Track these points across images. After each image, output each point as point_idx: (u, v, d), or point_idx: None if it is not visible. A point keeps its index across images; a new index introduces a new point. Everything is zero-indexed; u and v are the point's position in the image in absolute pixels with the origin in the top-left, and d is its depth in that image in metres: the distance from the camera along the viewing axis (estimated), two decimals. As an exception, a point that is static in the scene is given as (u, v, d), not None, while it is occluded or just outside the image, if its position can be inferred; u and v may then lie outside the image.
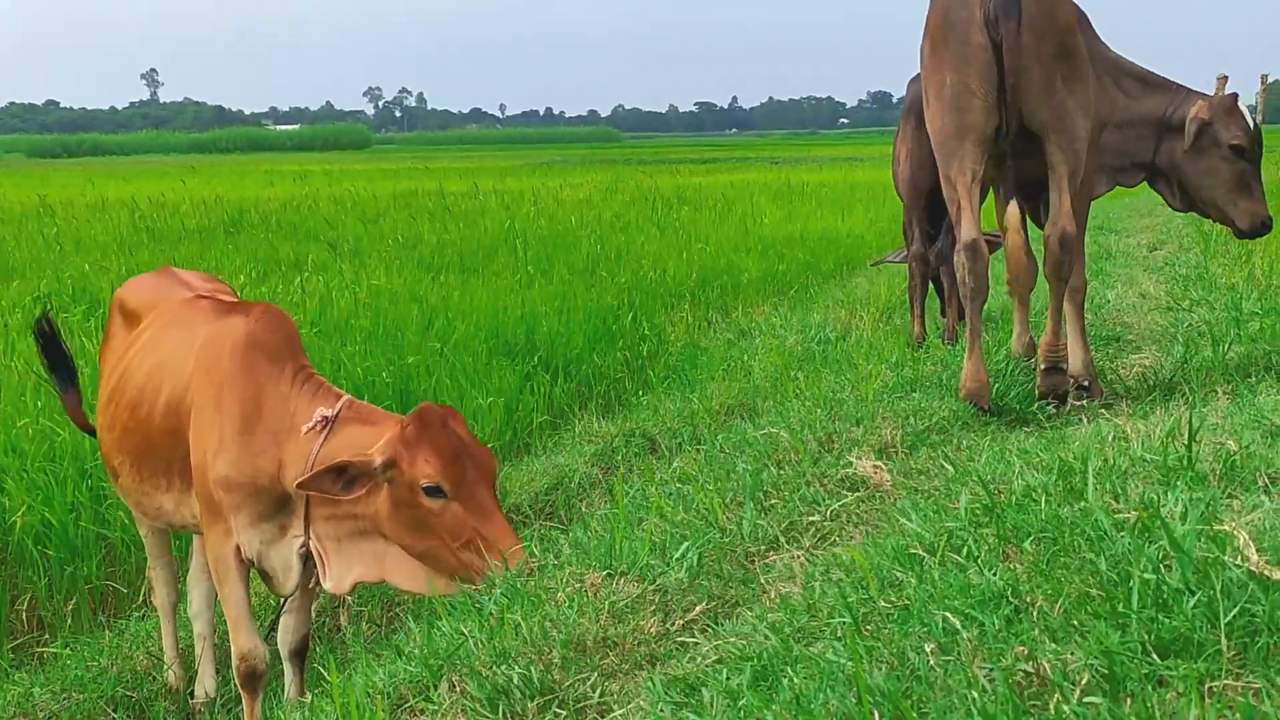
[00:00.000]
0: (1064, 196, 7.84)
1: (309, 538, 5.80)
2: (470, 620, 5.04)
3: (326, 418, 5.70)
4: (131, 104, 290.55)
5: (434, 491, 5.54)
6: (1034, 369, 8.52)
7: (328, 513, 5.74)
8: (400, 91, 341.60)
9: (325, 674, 5.45)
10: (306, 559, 5.85)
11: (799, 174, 45.86)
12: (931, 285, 12.21)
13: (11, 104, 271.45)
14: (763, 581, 5.30)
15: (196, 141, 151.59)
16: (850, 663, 3.57)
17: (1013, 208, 8.13)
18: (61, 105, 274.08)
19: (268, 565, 5.94)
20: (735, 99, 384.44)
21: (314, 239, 22.14)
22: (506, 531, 5.65)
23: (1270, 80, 27.93)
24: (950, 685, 3.36)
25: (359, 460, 5.49)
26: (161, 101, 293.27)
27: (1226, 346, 8.82)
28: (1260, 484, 4.61)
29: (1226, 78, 8.78)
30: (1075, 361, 8.43)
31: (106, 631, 7.63)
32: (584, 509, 8.48)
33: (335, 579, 5.80)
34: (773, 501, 6.34)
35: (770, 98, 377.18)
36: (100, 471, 8.28)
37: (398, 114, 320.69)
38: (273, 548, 5.89)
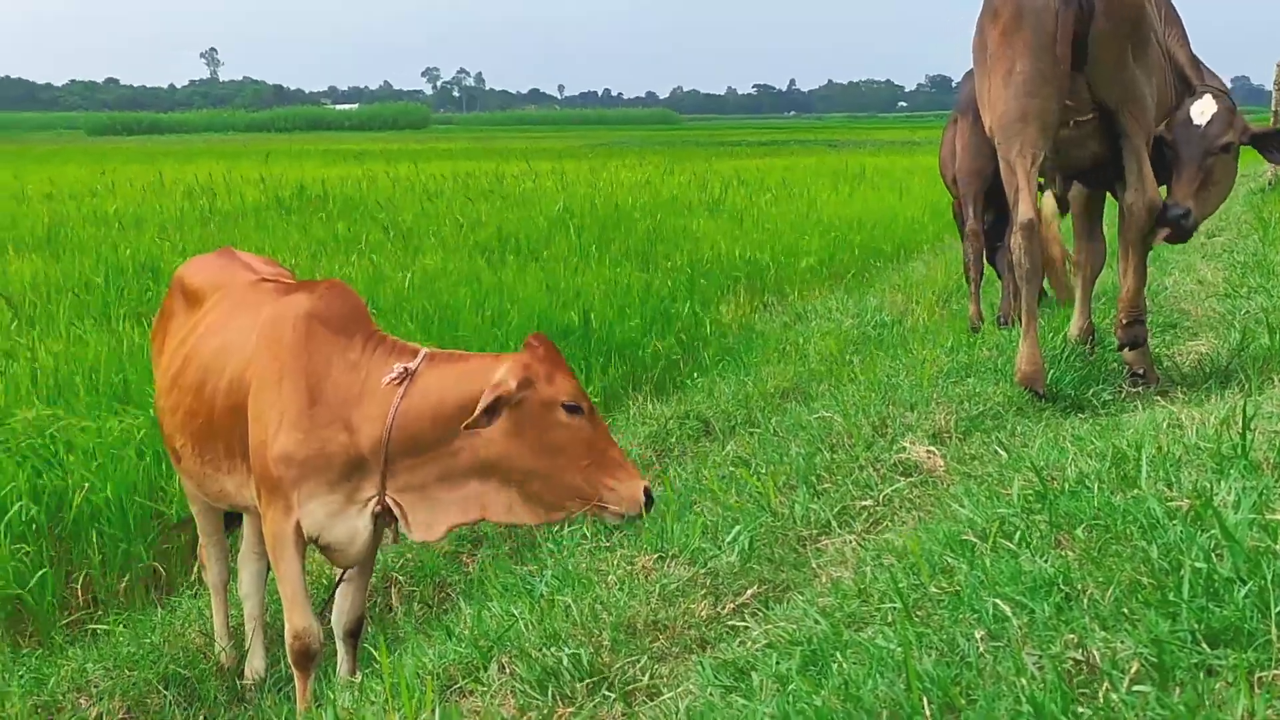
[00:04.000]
0: (1144, 165, 7.96)
1: (383, 495, 5.78)
2: (521, 602, 5.06)
3: (407, 368, 5.71)
4: (191, 82, 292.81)
5: (573, 409, 5.61)
6: (1088, 354, 8.53)
7: (414, 462, 5.71)
8: (459, 72, 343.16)
9: (376, 654, 5.45)
10: (378, 520, 5.85)
11: (857, 157, 45.72)
12: (992, 268, 12.18)
13: (73, 81, 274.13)
14: (814, 566, 5.30)
15: (255, 120, 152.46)
16: (900, 648, 3.56)
17: (1049, 198, 8.13)
18: (121, 83, 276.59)
19: (331, 538, 5.91)
20: (793, 81, 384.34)
21: (370, 219, 22.19)
22: (627, 458, 5.74)
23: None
24: (999, 672, 3.35)
25: (504, 390, 5.49)
26: (221, 80, 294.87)
27: (1284, 334, 8.74)
28: (1315, 474, 4.57)
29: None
30: (1075, 326, 8.82)
31: (159, 609, 7.66)
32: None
33: (425, 526, 5.76)
34: (825, 486, 6.34)
35: (829, 80, 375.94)
36: (156, 451, 8.35)
37: (456, 94, 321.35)
38: (338, 518, 5.87)
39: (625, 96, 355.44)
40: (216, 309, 6.51)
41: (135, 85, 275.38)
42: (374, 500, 5.80)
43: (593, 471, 5.59)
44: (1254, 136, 8.45)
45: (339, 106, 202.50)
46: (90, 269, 15.81)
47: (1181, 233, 8.30)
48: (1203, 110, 8.25)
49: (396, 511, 5.80)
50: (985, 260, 11.89)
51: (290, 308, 6.03)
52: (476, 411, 5.48)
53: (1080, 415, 7.47)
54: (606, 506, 5.55)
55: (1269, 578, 3.30)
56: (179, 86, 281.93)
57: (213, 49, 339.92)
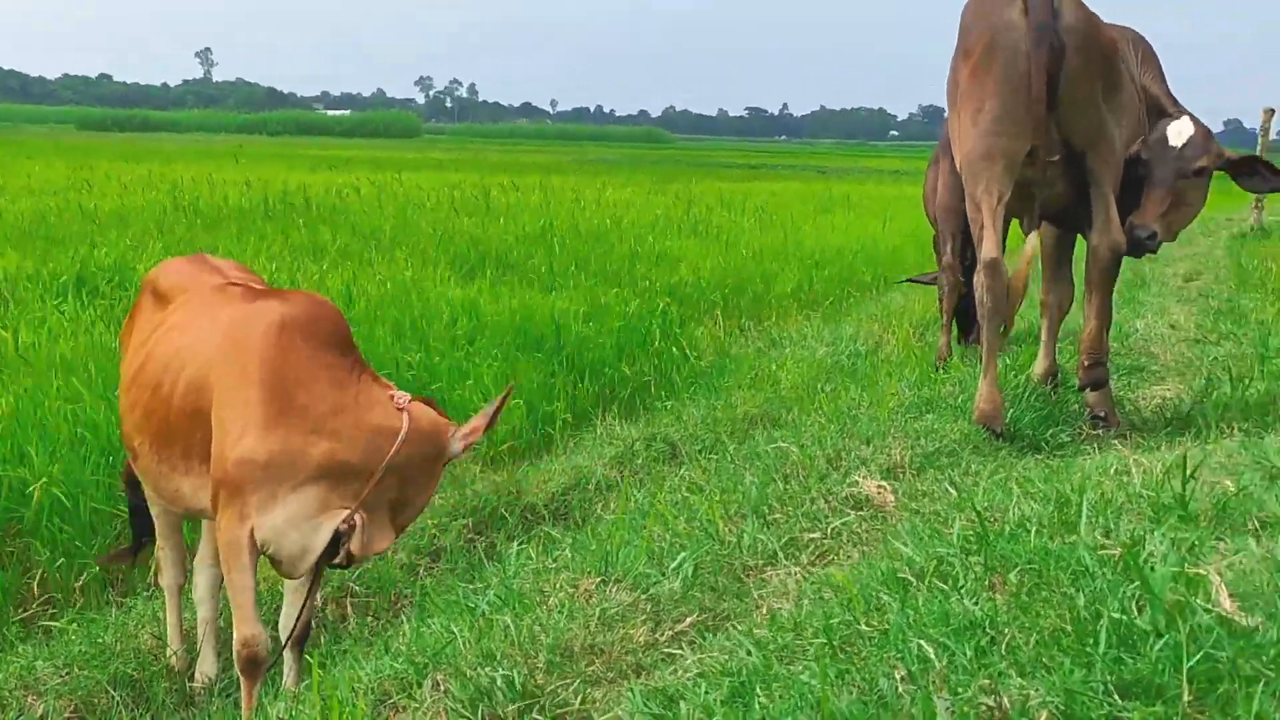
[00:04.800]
0: (1109, 207, 8.05)
1: (357, 510, 5.91)
2: (461, 620, 5.08)
3: (408, 401, 5.99)
4: (185, 81, 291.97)
5: None
6: (1050, 394, 8.59)
7: (391, 482, 5.94)
8: (451, 82, 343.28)
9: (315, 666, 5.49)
10: (339, 534, 5.96)
11: (845, 185, 45.85)
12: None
13: (66, 75, 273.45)
14: (756, 596, 5.33)
15: (247, 122, 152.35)
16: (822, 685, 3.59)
17: (1033, 238, 8.18)
18: (115, 79, 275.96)
19: (284, 547, 5.95)
20: (786, 106, 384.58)
21: (353, 227, 22.19)
22: None
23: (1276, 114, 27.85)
24: (914, 714, 3.38)
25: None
26: (215, 80, 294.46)
27: (1248, 383, 8.80)
28: (1250, 527, 4.61)
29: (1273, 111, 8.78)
30: (1039, 366, 8.93)
31: (114, 609, 7.66)
32: (600, 511, 8.47)
33: (369, 542, 5.96)
34: (776, 516, 6.37)
35: (821, 106, 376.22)
36: (119, 450, 8.36)
37: (448, 104, 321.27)
38: (298, 527, 5.91)
39: (617, 113, 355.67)
40: (181, 310, 6.53)
41: (129, 82, 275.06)
42: (345, 511, 5.88)
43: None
44: (1230, 162, 8.50)
45: (331, 112, 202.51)
46: (65, 267, 15.78)
47: (1145, 251, 8.38)
48: (1180, 131, 8.30)
49: (360, 524, 5.89)
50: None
51: (261, 314, 6.05)
52: (491, 418, 6.05)
53: (1036, 455, 7.52)
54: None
55: (1184, 632, 3.33)
56: (172, 85, 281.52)
57: (208, 49, 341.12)
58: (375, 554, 6.16)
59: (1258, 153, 9.15)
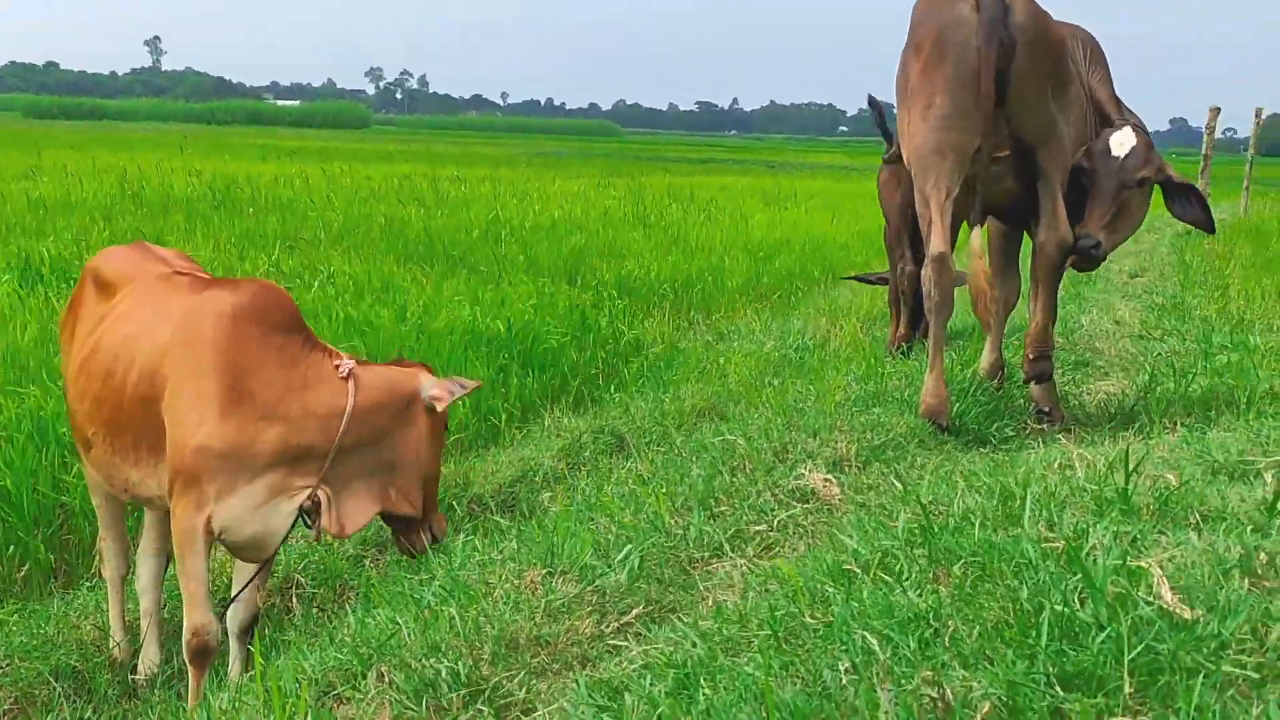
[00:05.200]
0: (1057, 204, 8.09)
1: (318, 486, 5.98)
2: (406, 611, 5.07)
3: (350, 370, 6.03)
4: (133, 70, 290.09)
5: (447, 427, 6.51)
6: (995, 390, 8.62)
7: (352, 455, 6.04)
8: (402, 73, 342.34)
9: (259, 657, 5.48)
10: (303, 512, 6.01)
11: (794, 181, 45.90)
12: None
13: (11, 63, 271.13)
14: (702, 588, 5.33)
15: (196, 111, 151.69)
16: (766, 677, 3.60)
17: (977, 234, 8.20)
18: (62, 67, 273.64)
19: (243, 534, 5.95)
20: (736, 100, 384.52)
21: (301, 218, 22.13)
22: None
23: (1265, 114, 28.10)
24: (857, 706, 3.39)
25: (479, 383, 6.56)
26: (163, 69, 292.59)
27: (1191, 379, 8.86)
28: (1191, 520, 4.64)
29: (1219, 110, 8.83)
30: (985, 361, 9.01)
31: (55, 600, 7.61)
32: (547, 503, 8.47)
33: (343, 521, 6.08)
34: (722, 508, 6.38)
35: (771, 101, 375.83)
36: (63, 439, 8.31)
37: (399, 96, 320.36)
38: (257, 512, 5.91)
39: (568, 106, 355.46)
40: (128, 299, 6.50)
41: (76, 70, 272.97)
42: (307, 490, 5.90)
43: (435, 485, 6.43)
44: (1168, 181, 8.55)
45: (280, 102, 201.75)
46: (11, 255, 15.68)
47: (1090, 262, 8.42)
48: (1122, 142, 8.34)
49: (324, 502, 5.92)
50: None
51: (211, 303, 6.05)
52: (458, 396, 6.28)
53: (981, 449, 7.55)
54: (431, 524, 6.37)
55: (1125, 624, 3.35)
56: (120, 74, 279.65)
57: (156, 37, 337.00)
58: (355, 530, 6.21)
59: (1204, 151, 9.21)
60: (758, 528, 6.04)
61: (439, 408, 6.18)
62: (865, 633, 3.78)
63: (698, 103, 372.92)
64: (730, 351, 13.37)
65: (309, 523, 6.08)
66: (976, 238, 8.27)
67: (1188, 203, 8.67)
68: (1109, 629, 3.37)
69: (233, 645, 6.35)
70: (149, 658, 6.88)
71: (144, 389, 6.06)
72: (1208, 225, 8.75)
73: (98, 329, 6.49)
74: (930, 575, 4.34)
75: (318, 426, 5.90)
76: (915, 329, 11.90)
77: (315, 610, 7.33)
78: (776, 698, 3.44)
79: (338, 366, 6.01)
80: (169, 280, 6.49)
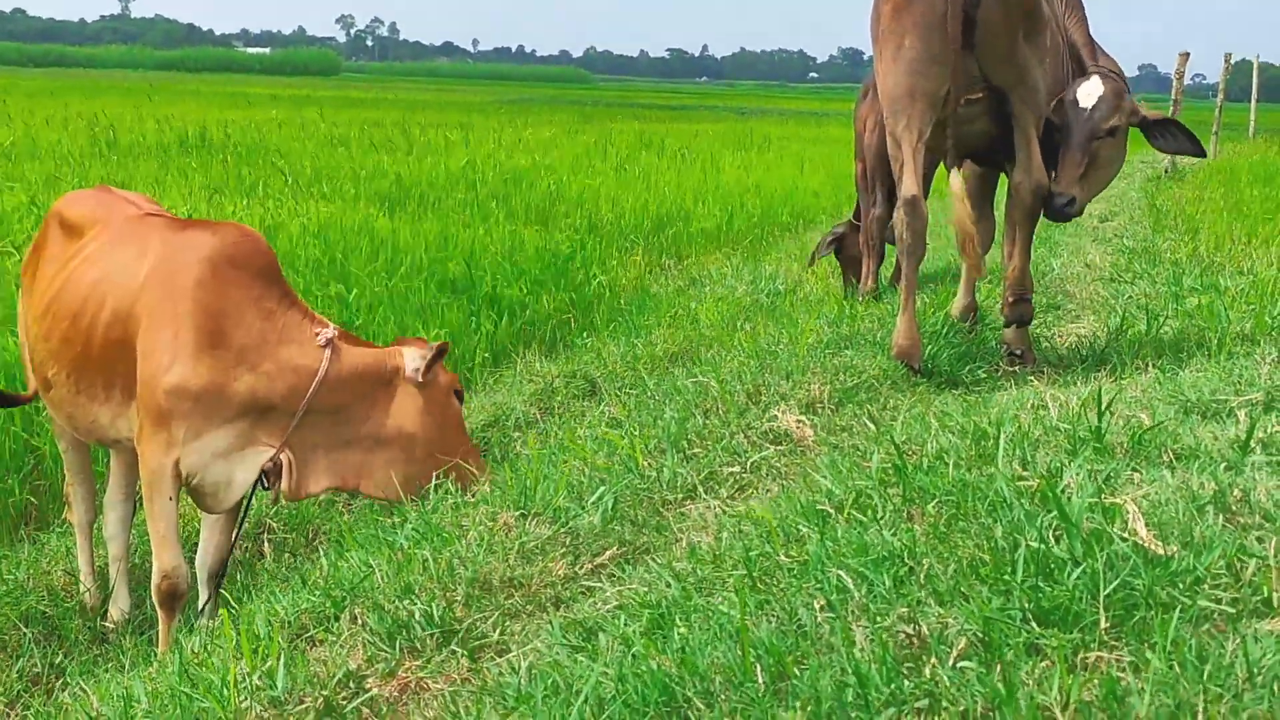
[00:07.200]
0: (1032, 147, 8.03)
1: (281, 450, 5.99)
2: (380, 554, 5.06)
3: (330, 338, 6.04)
4: (102, 17, 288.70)
5: (459, 396, 6.58)
6: (969, 330, 8.63)
7: (321, 420, 6.07)
8: (373, 20, 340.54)
9: (231, 601, 5.48)
10: (264, 473, 6.04)
11: (764, 126, 45.80)
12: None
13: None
14: (675, 530, 5.32)
15: (166, 59, 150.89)
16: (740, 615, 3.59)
17: (956, 176, 8.15)
18: (29, 14, 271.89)
19: (208, 480, 5.95)
20: (706, 47, 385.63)
21: (271, 164, 22.02)
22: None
23: (1234, 59, 28.12)
24: (833, 643, 3.39)
25: (445, 346, 6.38)
26: (133, 16, 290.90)
27: (1162, 321, 8.86)
28: (1165, 459, 4.65)
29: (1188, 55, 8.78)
30: (958, 304, 9.09)
31: (26, 545, 7.58)
32: (519, 448, 8.44)
33: (299, 485, 6.09)
34: (695, 450, 6.36)
35: (742, 48, 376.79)
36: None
37: (369, 43, 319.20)
38: (223, 460, 5.91)
39: (539, 54, 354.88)
40: (97, 240, 6.47)
41: (44, 18, 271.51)
42: (272, 450, 5.90)
43: (465, 452, 6.43)
44: (1144, 121, 8.50)
45: (250, 49, 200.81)
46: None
47: (1065, 217, 8.39)
48: (1089, 92, 8.28)
49: (285, 465, 5.91)
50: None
51: (191, 244, 6.03)
52: (429, 359, 6.26)
53: (954, 391, 7.55)
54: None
55: (1101, 560, 3.35)
56: (89, 21, 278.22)
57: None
58: (309, 495, 6.26)
59: (1173, 97, 9.17)
60: (731, 469, 6.02)
61: (419, 379, 6.26)
62: (840, 571, 3.78)
63: (668, 50, 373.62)
64: (702, 296, 13.34)
65: (267, 484, 6.08)
66: (956, 180, 8.23)
67: (1171, 135, 8.62)
68: (1084, 565, 3.38)
69: (201, 591, 6.35)
70: (119, 603, 6.86)
71: (118, 330, 6.03)
72: (1197, 150, 8.71)
73: (65, 270, 6.45)
74: (904, 514, 4.34)
75: (287, 385, 5.93)
76: (874, 278, 11.84)
77: (287, 555, 7.31)
78: (752, 636, 3.43)
79: (317, 334, 6.01)
80: (142, 221, 6.46)
